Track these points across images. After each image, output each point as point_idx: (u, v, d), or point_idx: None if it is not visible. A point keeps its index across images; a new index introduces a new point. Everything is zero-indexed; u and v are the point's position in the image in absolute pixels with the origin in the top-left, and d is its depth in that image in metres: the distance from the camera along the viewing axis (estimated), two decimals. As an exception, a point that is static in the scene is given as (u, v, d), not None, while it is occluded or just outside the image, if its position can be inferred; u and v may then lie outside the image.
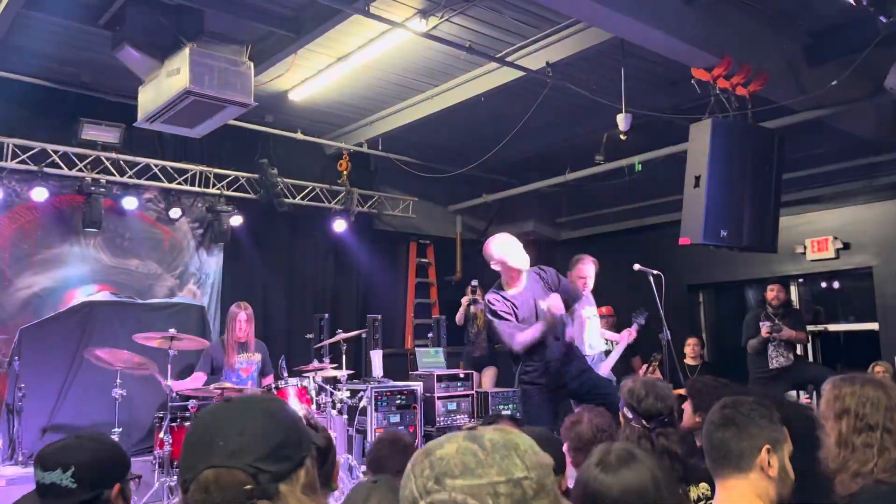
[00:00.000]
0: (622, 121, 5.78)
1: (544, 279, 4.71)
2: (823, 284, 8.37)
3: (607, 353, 5.93)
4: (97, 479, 1.79)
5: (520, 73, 5.98)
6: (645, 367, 5.56)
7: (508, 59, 5.95)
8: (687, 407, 2.97)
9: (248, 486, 1.06)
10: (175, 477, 4.62)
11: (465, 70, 6.50)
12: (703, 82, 5.22)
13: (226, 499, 1.06)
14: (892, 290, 7.24)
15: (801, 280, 8.22)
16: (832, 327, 8.05)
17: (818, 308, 8.09)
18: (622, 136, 5.98)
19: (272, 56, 5.81)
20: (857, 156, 7.13)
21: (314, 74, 6.54)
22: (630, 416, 2.48)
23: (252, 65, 5.15)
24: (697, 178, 4.98)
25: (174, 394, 4.78)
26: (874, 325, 7.40)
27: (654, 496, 1.57)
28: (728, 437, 1.85)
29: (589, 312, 5.44)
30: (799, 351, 7.08)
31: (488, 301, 4.63)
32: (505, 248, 4.62)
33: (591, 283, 5.47)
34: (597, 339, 5.57)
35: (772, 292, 6.76)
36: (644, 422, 2.43)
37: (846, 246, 7.59)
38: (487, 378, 7.06)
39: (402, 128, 7.56)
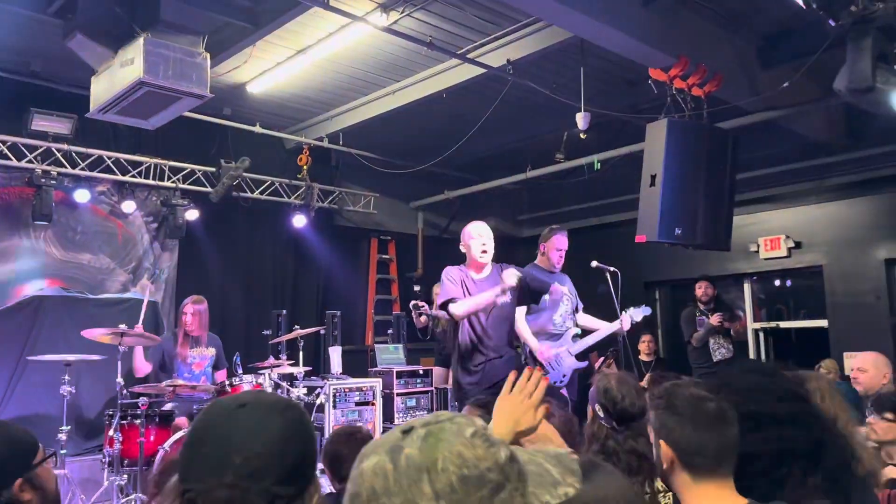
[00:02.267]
0: (581, 120, 5.84)
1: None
2: (777, 282, 8.58)
3: (575, 335, 5.51)
4: None
5: (481, 71, 6.00)
6: (601, 360, 5.60)
7: (470, 56, 5.96)
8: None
9: None
10: (124, 476, 4.53)
11: (426, 66, 6.49)
12: (659, 82, 5.31)
13: None
14: (842, 288, 7.45)
15: (754, 278, 8.40)
16: (784, 324, 8.26)
17: (738, 313, 8.20)
18: (581, 135, 6.04)
19: (230, 47, 5.72)
20: (808, 157, 7.32)
21: (273, 67, 6.46)
22: (602, 415, 2.41)
23: (208, 56, 5.04)
24: (653, 177, 5.06)
25: (125, 391, 4.67)
26: (824, 322, 7.61)
27: None
28: (733, 434, 1.74)
29: (564, 290, 5.30)
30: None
31: (447, 270, 4.59)
32: (471, 237, 4.58)
33: (562, 257, 5.35)
34: (565, 318, 5.31)
35: (700, 289, 6.99)
36: (615, 423, 2.36)
37: (798, 245, 7.79)
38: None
39: (363, 123, 7.52)
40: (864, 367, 3.88)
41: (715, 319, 6.70)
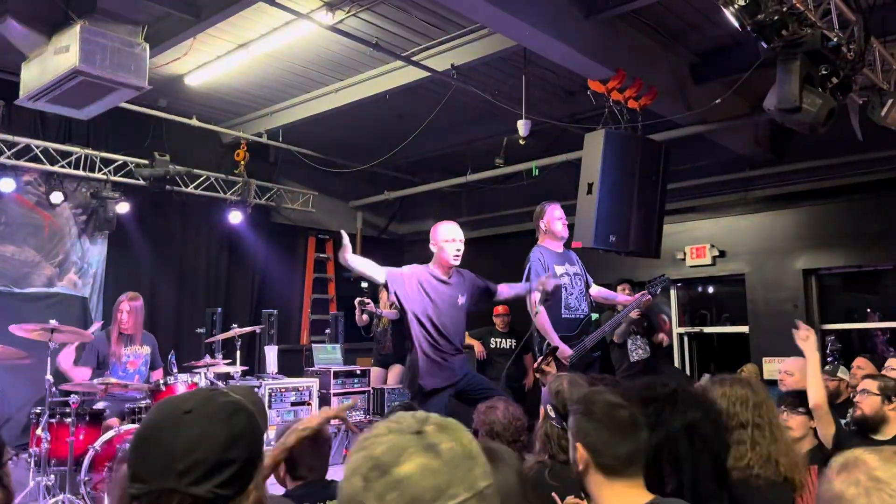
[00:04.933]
0: (522, 126, 5.96)
1: (463, 280, 4.56)
2: (699, 289, 8.93)
3: (591, 319, 5.15)
4: None
5: (425, 74, 6.05)
6: (541, 359, 5.65)
7: (414, 58, 6.00)
8: None
9: None
10: (52, 476, 4.37)
11: (370, 66, 6.50)
12: (598, 94, 5.48)
13: None
14: (762, 296, 7.82)
15: (679, 284, 8.72)
16: (707, 329, 8.61)
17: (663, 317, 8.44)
18: (521, 141, 6.17)
19: (169, 38, 5.58)
20: (734, 170, 7.67)
21: (213, 60, 6.34)
22: (553, 415, 2.46)
23: (148, 46, 4.92)
24: (590, 185, 5.21)
25: (54, 388, 4.51)
26: (745, 329, 7.97)
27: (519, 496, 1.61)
28: (644, 437, 1.87)
29: (570, 270, 4.88)
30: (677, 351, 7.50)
31: (414, 266, 4.45)
32: (445, 239, 4.41)
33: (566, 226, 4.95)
34: (580, 300, 4.89)
35: (624, 291, 7.14)
36: (565, 424, 2.35)
37: (722, 254, 8.13)
38: (393, 375, 7.08)
39: (304, 120, 7.46)
40: (791, 370, 4.11)
41: (635, 313, 6.87)
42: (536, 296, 4.42)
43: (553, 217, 4.88)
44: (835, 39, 3.79)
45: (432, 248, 4.47)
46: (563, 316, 4.72)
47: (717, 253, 8.14)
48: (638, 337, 6.81)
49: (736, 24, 3.45)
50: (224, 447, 1.10)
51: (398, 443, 0.92)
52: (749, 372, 6.23)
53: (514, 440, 2.60)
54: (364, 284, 4.70)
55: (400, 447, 0.91)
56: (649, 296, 4.94)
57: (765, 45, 3.65)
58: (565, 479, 2.14)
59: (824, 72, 3.83)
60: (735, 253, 8.07)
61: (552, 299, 4.52)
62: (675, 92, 6.01)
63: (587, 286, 4.99)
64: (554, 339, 4.53)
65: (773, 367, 7.04)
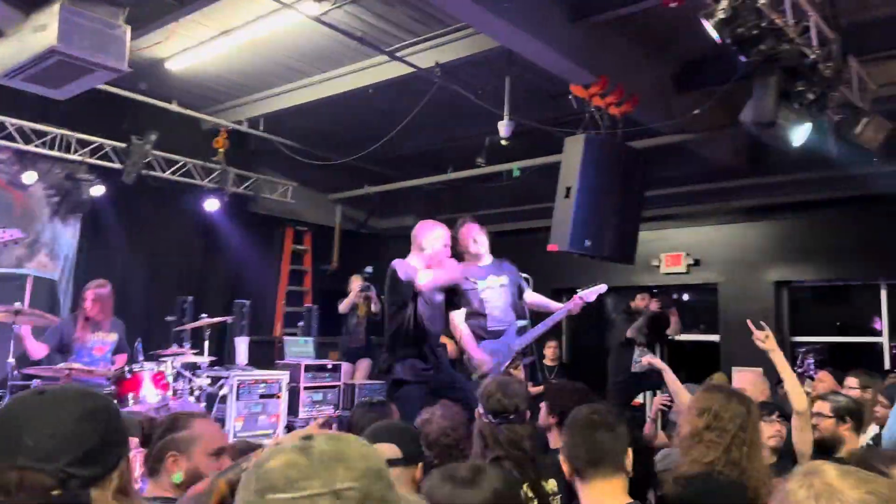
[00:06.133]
0: (503, 127, 5.97)
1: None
2: (674, 296, 9.00)
3: (520, 327, 5.08)
4: None
5: (409, 70, 6.02)
6: (507, 364, 5.66)
7: (399, 54, 5.98)
8: (543, 407, 3.11)
9: (56, 492, 1.02)
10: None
11: (355, 60, 6.47)
12: (579, 98, 5.50)
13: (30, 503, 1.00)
14: (734, 305, 7.91)
15: (654, 291, 8.79)
16: (679, 337, 8.68)
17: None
18: (503, 142, 6.17)
19: (152, 22, 5.51)
20: (712, 180, 7.73)
21: (196, 45, 6.27)
22: (481, 411, 2.61)
23: (129, 29, 4.85)
24: (568, 189, 5.24)
25: (16, 372, 4.43)
26: (716, 337, 8.06)
27: None
28: (606, 438, 1.98)
29: (490, 283, 4.83)
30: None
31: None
32: (428, 240, 4.49)
33: (481, 245, 4.88)
34: (505, 311, 4.85)
35: (643, 301, 7.25)
36: (491, 417, 2.55)
37: (696, 262, 8.22)
38: (361, 370, 7.07)
39: (286, 110, 7.40)
40: (743, 385, 4.16)
41: (654, 305, 6.94)
42: (457, 316, 4.63)
43: (469, 236, 4.90)
44: (812, 57, 3.84)
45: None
46: (489, 328, 4.75)
47: (691, 261, 8.22)
48: (647, 349, 6.82)
49: (715, 36, 3.48)
50: (75, 422, 1.09)
51: (282, 447, 1.00)
52: (718, 381, 6.29)
53: (448, 450, 2.65)
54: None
55: (279, 449, 0.99)
56: (581, 300, 4.90)
57: (743, 59, 3.68)
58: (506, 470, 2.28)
59: (801, 88, 3.87)
60: (709, 262, 8.15)
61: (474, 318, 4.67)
62: (657, 100, 6.04)
63: (521, 294, 4.98)
64: (474, 353, 4.58)
65: (741, 376, 7.12)
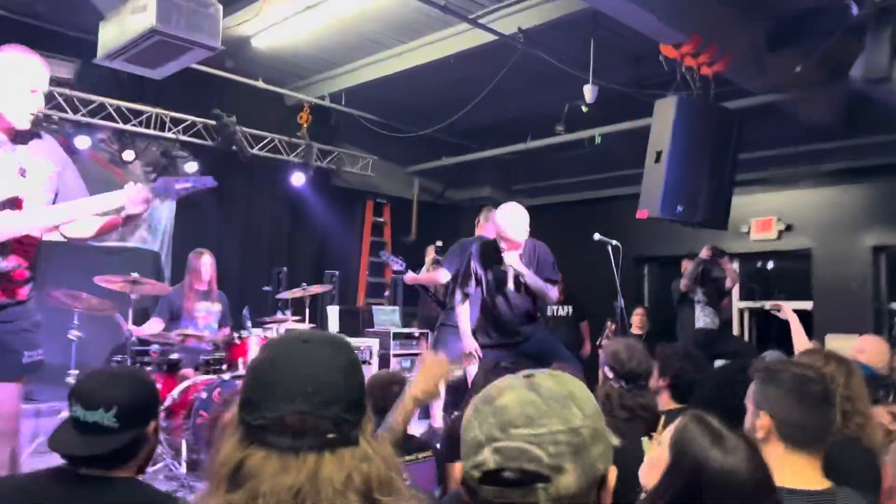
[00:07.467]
0: (588, 92, 5.87)
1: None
2: (759, 264, 8.73)
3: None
4: (137, 418, 1.77)
5: (491, 37, 5.97)
6: (606, 328, 5.64)
7: (481, 21, 5.93)
8: (654, 371, 3.11)
9: (331, 435, 1.10)
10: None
11: (436, 29, 6.46)
12: (669, 59, 5.33)
13: (311, 445, 1.09)
14: (828, 272, 7.62)
15: (743, 258, 8.55)
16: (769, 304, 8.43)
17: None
18: (584, 108, 6.07)
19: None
20: (805, 142, 7.39)
21: (281, 21, 6.38)
22: (611, 375, 2.66)
23: (221, 7, 5.00)
24: (659, 154, 5.13)
25: (134, 338, 4.69)
26: (809, 305, 7.79)
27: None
28: (833, 417, 1.94)
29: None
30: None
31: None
32: (505, 221, 4.40)
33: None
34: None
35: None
36: (624, 383, 2.61)
37: (788, 227, 7.92)
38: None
39: (366, 84, 7.47)
40: (864, 347, 4.00)
41: (704, 253, 6.72)
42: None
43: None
44: (932, 5, 3.62)
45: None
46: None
47: (783, 227, 7.93)
48: (707, 305, 6.67)
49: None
50: (344, 371, 1.16)
51: (507, 383, 1.08)
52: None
53: None
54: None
55: (506, 385, 1.07)
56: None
57: (855, 11, 3.50)
58: (628, 436, 2.21)
59: (918, 40, 3.66)
60: (802, 227, 7.85)
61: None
62: (750, 59, 5.80)
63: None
64: (467, 339, 4.49)
65: (836, 344, 6.87)
